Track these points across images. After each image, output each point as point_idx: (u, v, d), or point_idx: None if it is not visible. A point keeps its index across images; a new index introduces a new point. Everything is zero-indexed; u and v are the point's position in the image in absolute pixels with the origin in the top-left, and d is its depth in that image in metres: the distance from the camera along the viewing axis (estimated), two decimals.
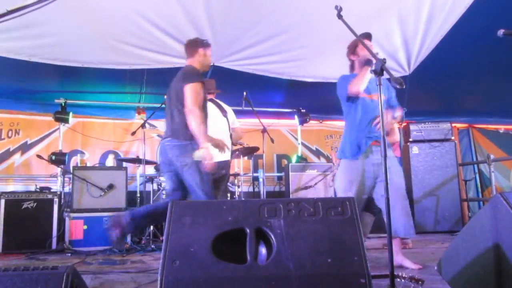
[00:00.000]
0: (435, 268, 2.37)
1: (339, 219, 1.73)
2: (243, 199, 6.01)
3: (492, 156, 6.23)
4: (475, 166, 7.82)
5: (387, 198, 2.12)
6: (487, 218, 2.03)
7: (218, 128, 4.26)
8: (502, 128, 8.37)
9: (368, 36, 3.40)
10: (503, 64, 5.35)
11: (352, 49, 3.54)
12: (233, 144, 4.58)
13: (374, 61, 3.07)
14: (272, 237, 1.67)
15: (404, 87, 2.05)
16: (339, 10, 2.60)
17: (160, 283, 1.53)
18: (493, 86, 6.31)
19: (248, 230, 1.69)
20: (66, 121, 6.02)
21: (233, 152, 5.40)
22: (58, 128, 6.27)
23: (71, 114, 6.03)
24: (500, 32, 3.43)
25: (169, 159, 3.54)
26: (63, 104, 6.01)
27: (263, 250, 1.68)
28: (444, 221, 6.23)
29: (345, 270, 1.60)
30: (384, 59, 2.21)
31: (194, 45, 3.75)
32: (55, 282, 1.28)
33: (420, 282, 2.23)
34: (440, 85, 6.22)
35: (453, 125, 7.59)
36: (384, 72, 3.82)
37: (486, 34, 3.69)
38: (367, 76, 3.19)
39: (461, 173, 7.04)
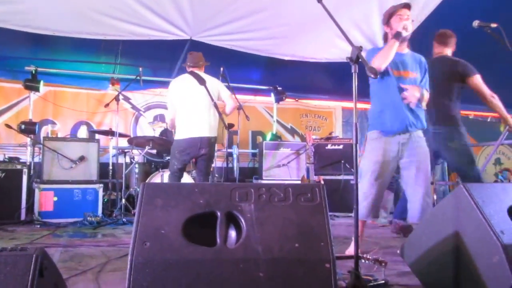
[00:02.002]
0: (398, 251, 2.47)
1: (308, 205, 1.77)
2: (216, 175, 6.05)
3: None
4: None
5: (356, 184, 2.17)
6: (449, 207, 2.12)
7: (189, 100, 4.08)
8: (471, 114, 8.61)
9: (405, 6, 3.15)
10: (475, 52, 5.44)
11: (386, 19, 3.20)
12: (224, 115, 4.29)
13: (404, 34, 2.99)
14: (242, 221, 1.70)
15: (378, 77, 2.08)
16: None
17: (130, 264, 1.55)
18: None
19: (219, 214, 1.72)
20: (36, 89, 5.84)
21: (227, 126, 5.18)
22: (28, 97, 6.10)
23: (42, 82, 5.85)
24: (475, 23, 3.51)
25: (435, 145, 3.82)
26: (33, 72, 5.83)
27: (232, 234, 1.72)
28: None
29: (311, 255, 1.65)
30: (360, 46, 2.21)
31: (451, 36, 4.05)
32: (24, 263, 1.28)
33: (383, 264, 2.33)
34: None
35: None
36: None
37: (462, 23, 3.76)
38: (393, 50, 2.97)
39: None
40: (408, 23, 3.06)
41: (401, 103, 3.10)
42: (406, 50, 3.24)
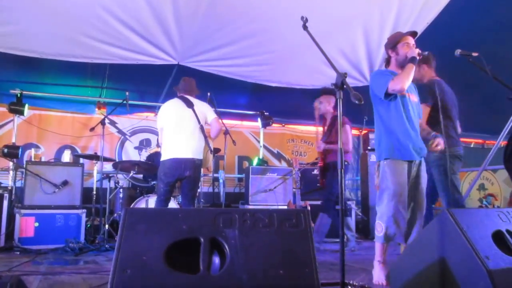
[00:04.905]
0: None
1: (293, 231, 1.75)
2: (202, 200, 5.99)
3: None
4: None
5: (342, 209, 2.17)
6: (434, 232, 2.12)
7: (175, 122, 4.13)
8: None
9: (413, 33, 3.29)
10: (460, 80, 5.59)
11: (392, 45, 3.30)
12: (210, 139, 4.30)
13: (418, 58, 3.11)
14: (226, 247, 1.68)
15: (362, 103, 2.10)
16: (304, 21, 2.61)
17: None
18: None
19: (202, 240, 1.69)
20: (21, 113, 5.77)
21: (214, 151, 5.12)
22: (12, 120, 6.02)
23: (27, 106, 5.78)
24: (457, 52, 3.57)
25: None
26: (18, 95, 5.77)
27: (216, 260, 1.68)
28: None
29: (296, 282, 1.63)
30: (345, 73, 2.24)
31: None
32: None
33: None
34: None
35: None
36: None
37: (446, 50, 3.83)
38: (413, 73, 3.08)
39: None
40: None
41: (407, 129, 3.17)
42: None
